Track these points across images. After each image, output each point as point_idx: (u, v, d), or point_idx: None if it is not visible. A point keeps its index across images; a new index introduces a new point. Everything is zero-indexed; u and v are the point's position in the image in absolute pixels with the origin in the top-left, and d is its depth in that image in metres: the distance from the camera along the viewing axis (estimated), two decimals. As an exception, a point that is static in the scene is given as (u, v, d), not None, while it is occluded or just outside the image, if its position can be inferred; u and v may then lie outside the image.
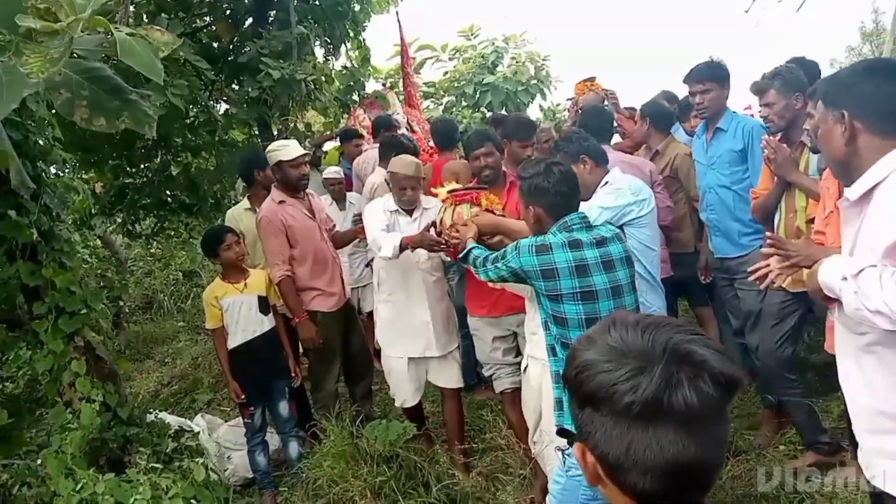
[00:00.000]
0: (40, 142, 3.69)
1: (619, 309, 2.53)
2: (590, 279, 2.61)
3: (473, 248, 3.09)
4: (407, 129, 6.96)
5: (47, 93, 3.34)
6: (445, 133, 5.51)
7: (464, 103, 9.71)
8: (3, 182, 3.54)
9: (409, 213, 4.00)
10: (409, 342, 3.99)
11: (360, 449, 3.74)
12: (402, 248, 3.64)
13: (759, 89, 3.62)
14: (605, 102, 4.99)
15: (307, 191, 4.50)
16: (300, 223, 4.27)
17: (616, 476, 0.92)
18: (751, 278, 2.43)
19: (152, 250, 10.31)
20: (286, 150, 4.30)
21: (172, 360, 7.41)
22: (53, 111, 3.96)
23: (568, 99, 5.56)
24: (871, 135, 1.82)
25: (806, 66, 4.26)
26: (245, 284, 4.17)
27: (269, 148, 4.46)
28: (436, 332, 3.97)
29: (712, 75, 4.03)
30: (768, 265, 2.32)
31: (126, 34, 2.44)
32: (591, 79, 5.35)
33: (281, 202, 4.27)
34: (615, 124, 5.01)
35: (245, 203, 5.09)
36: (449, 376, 4.08)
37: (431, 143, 6.65)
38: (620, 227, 2.96)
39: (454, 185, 3.69)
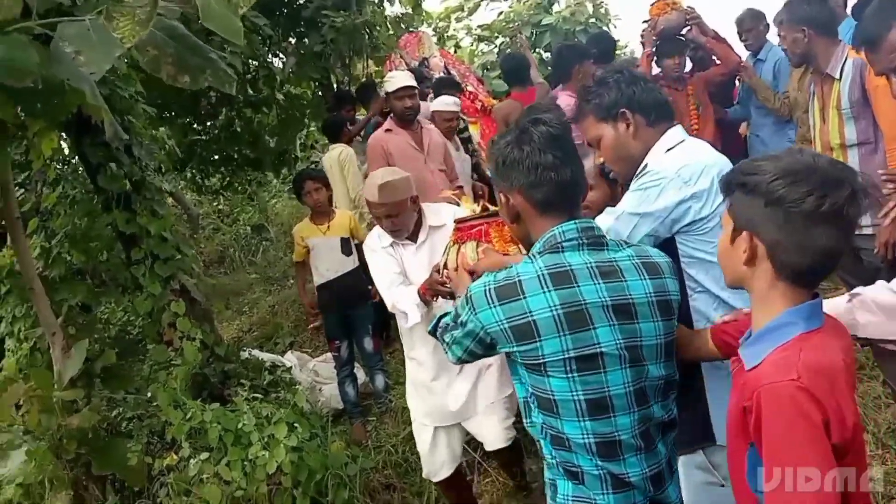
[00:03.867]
0: (126, 96, 3.84)
1: (638, 382, 1.61)
2: (591, 334, 1.56)
3: (443, 315, 1.95)
4: (444, 73, 6.87)
5: (133, 49, 3.49)
6: (513, 68, 5.28)
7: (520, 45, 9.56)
8: (98, 135, 3.73)
9: (413, 238, 2.95)
10: (438, 408, 2.98)
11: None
12: (426, 302, 2.74)
13: (777, 21, 3.43)
14: (688, 24, 4.51)
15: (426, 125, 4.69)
16: (401, 152, 4.42)
17: (778, 254, 1.28)
18: (880, 215, 2.33)
19: (220, 207, 10.63)
20: (391, 81, 4.58)
21: (249, 309, 7.70)
22: (133, 67, 4.11)
23: (644, 21, 4.72)
24: None
25: None
26: (328, 227, 4.34)
27: (386, 79, 4.79)
28: (475, 388, 2.93)
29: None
30: None
31: (206, -7, 2.51)
32: None
33: (387, 130, 4.54)
34: (691, 47, 4.68)
35: None
36: (493, 435, 2.99)
37: (469, 88, 6.56)
38: (672, 238, 1.90)
39: (464, 211, 2.84)
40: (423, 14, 8.47)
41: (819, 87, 3.29)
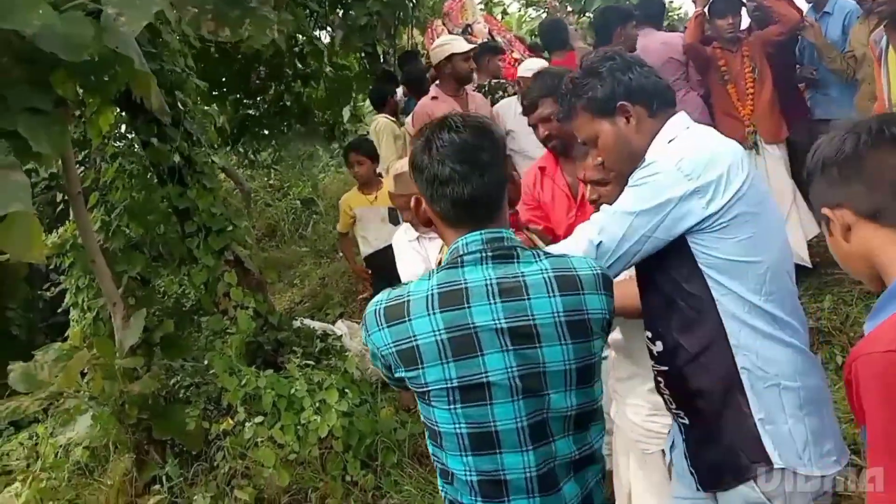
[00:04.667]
0: (177, 69, 3.92)
1: (537, 415, 1.43)
2: (477, 362, 1.41)
3: None
4: (488, 39, 6.74)
5: (179, 24, 3.56)
6: (551, 32, 5.15)
7: (569, 8, 9.35)
8: (145, 112, 3.83)
9: None
10: None
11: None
12: None
13: None
14: None
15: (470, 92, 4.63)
16: None
17: (860, 204, 1.23)
18: None
19: (270, 181, 10.80)
20: (457, 43, 4.51)
21: (301, 281, 7.85)
22: (185, 42, 4.20)
23: None
24: None
25: None
26: (375, 197, 4.37)
27: (438, 43, 4.61)
28: None
29: None
30: None
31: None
32: None
33: (434, 98, 4.46)
34: (745, 5, 4.38)
35: None
36: None
37: (514, 55, 6.46)
38: (683, 237, 1.66)
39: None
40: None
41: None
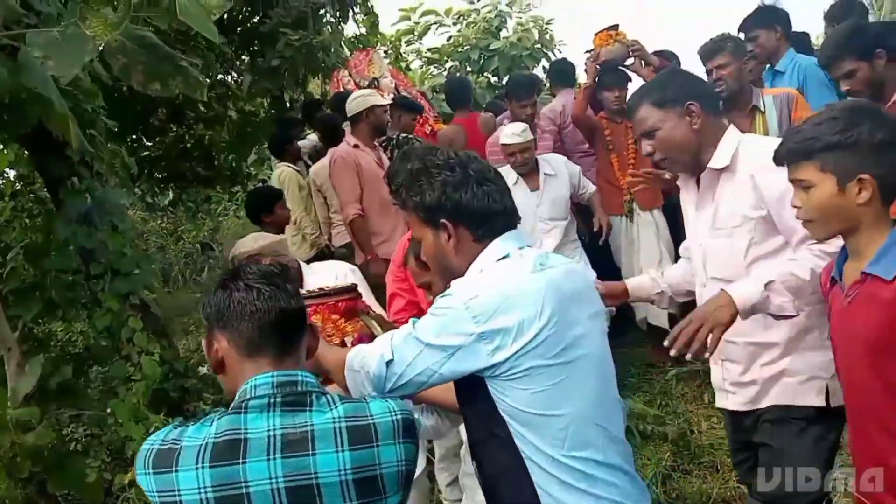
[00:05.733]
0: (89, 109, 3.83)
1: None
2: None
3: None
4: (395, 94, 6.93)
5: (98, 60, 3.49)
6: (457, 91, 5.43)
7: (468, 68, 9.76)
8: (61, 149, 3.70)
9: None
10: None
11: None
12: None
13: (709, 51, 3.49)
14: (631, 56, 4.32)
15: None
16: (370, 171, 4.47)
17: (886, 184, 1.54)
18: None
19: (163, 225, 10.46)
20: (376, 96, 4.67)
21: (196, 328, 7.58)
22: (94, 79, 4.10)
23: (586, 52, 4.57)
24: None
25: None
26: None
27: (359, 94, 4.70)
28: None
29: (757, 22, 3.87)
30: None
31: (183, -4, 2.58)
32: (615, 27, 4.36)
33: (355, 146, 4.54)
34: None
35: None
36: None
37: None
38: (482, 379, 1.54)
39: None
40: (379, 35, 8.60)
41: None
